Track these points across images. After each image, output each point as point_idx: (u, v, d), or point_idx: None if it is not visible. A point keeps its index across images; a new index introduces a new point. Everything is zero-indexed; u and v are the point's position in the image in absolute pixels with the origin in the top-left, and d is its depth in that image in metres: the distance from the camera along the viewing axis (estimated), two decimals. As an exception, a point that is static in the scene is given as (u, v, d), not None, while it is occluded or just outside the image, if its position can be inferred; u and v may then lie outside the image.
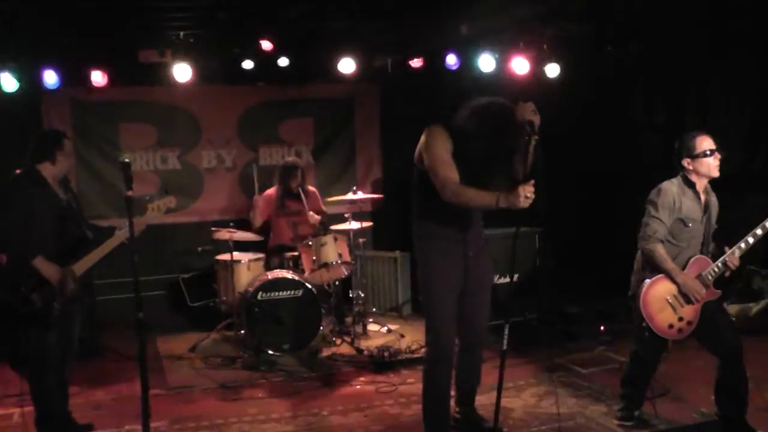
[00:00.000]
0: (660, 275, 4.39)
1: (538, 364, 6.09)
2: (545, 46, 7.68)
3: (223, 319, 7.09)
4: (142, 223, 4.58)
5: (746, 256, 4.47)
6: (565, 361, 6.20)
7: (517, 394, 5.38)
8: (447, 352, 4.27)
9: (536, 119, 3.86)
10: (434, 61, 7.84)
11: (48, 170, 4.55)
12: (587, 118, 8.40)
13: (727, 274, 4.45)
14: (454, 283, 4.25)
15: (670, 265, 4.36)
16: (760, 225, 4.35)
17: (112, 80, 7.13)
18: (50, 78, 6.92)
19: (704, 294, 4.38)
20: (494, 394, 3.91)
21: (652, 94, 8.12)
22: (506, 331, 3.88)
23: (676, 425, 4.71)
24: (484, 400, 4.83)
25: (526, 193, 3.76)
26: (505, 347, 3.89)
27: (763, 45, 6.78)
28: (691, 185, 4.44)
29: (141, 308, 3.58)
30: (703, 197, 4.48)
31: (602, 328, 6.70)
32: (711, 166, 4.39)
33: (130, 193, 3.79)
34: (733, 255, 4.37)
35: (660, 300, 4.38)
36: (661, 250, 4.37)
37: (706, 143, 4.38)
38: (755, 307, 6.56)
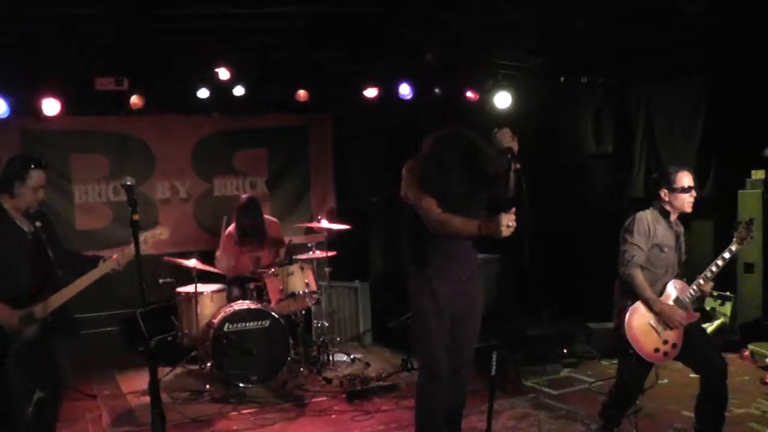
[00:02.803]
0: (639, 301, 4.51)
1: (509, 388, 6.13)
2: (498, 76, 7.91)
3: (183, 353, 6.90)
4: (129, 255, 4.28)
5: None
6: (534, 383, 6.29)
7: (496, 417, 5.39)
8: (441, 375, 4.27)
9: (514, 145, 3.85)
10: (388, 91, 7.93)
11: (8, 201, 4.23)
12: (538, 146, 8.61)
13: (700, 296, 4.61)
14: (446, 308, 4.25)
15: (648, 293, 4.47)
16: (726, 249, 4.52)
17: (65, 109, 6.93)
18: (-1, 107, 6.67)
19: (685, 317, 4.50)
20: (472, 419, 3.92)
21: (601, 123, 8.41)
22: (494, 358, 4.05)
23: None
24: (463, 425, 4.84)
25: (508, 222, 3.75)
26: (494, 372, 3.99)
27: (709, 75, 7.12)
28: (666, 215, 4.60)
29: (147, 338, 3.45)
30: (674, 228, 4.65)
31: (565, 350, 6.83)
32: (686, 201, 4.55)
33: (136, 216, 3.64)
34: (706, 279, 4.53)
35: (644, 324, 4.47)
36: (640, 277, 4.48)
37: (686, 179, 4.53)
38: (709, 328, 6.80)
